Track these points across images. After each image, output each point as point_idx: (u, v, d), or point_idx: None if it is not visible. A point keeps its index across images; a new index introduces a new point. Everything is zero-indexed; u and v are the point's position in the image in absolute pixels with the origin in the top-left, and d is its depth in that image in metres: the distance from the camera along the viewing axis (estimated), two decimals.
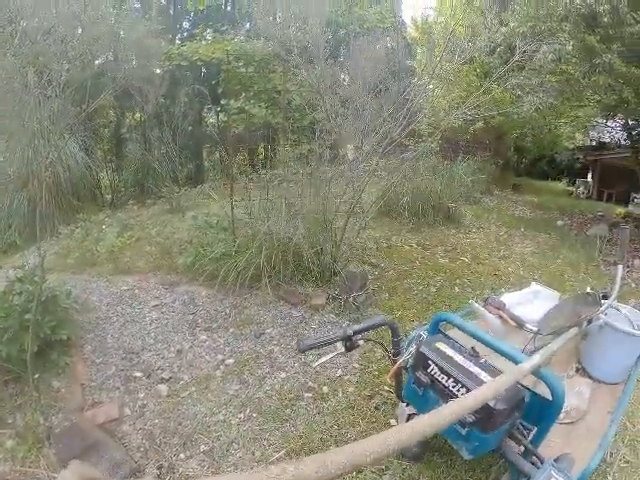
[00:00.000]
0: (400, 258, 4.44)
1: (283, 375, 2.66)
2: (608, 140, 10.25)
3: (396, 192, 5.07)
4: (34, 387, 2.16)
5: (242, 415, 2.31)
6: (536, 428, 1.43)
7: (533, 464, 1.35)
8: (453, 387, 1.32)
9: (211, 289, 3.39)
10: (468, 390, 1.26)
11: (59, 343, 2.50)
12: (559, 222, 7.28)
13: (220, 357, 2.76)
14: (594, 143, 12.71)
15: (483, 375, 1.32)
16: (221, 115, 5.29)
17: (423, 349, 1.44)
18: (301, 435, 2.21)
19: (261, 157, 7.32)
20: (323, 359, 1.54)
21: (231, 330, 3.03)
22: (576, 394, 1.92)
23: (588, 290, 2.20)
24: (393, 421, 2.26)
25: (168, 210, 5.20)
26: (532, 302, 2.26)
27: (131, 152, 6.47)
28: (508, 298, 2.26)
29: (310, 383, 2.60)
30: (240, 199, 3.58)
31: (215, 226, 3.53)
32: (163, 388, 2.47)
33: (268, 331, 3.04)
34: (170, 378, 2.54)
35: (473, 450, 1.32)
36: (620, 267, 2.15)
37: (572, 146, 12.90)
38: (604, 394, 1.98)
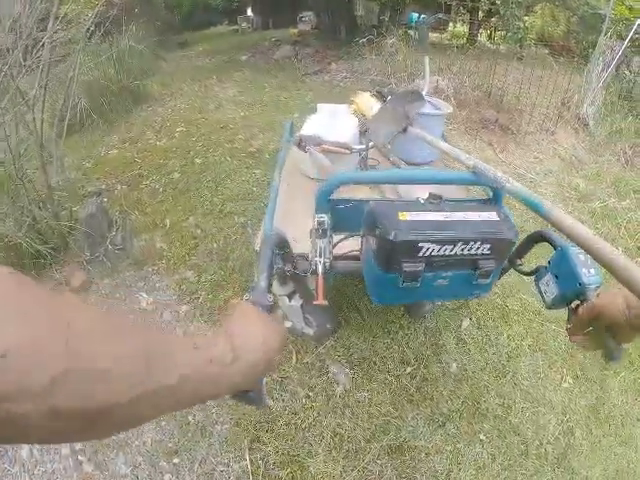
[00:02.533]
0: (117, 167, 3.41)
1: None
2: None
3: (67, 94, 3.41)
4: None
5: None
6: None
7: None
8: (467, 250, 0.94)
9: None
10: (485, 241, 0.94)
11: None
12: (242, 57, 7.12)
13: None
14: None
15: (478, 215, 0.97)
16: None
17: (402, 236, 0.92)
18: None
19: None
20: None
21: None
22: None
23: (378, 89, 2.07)
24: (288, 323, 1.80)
25: None
26: (335, 123, 2.01)
27: None
28: (312, 130, 1.92)
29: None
30: None
31: None
32: None
33: None
34: None
35: (490, 285, 1.07)
36: (427, 58, 2.30)
37: None
38: None
